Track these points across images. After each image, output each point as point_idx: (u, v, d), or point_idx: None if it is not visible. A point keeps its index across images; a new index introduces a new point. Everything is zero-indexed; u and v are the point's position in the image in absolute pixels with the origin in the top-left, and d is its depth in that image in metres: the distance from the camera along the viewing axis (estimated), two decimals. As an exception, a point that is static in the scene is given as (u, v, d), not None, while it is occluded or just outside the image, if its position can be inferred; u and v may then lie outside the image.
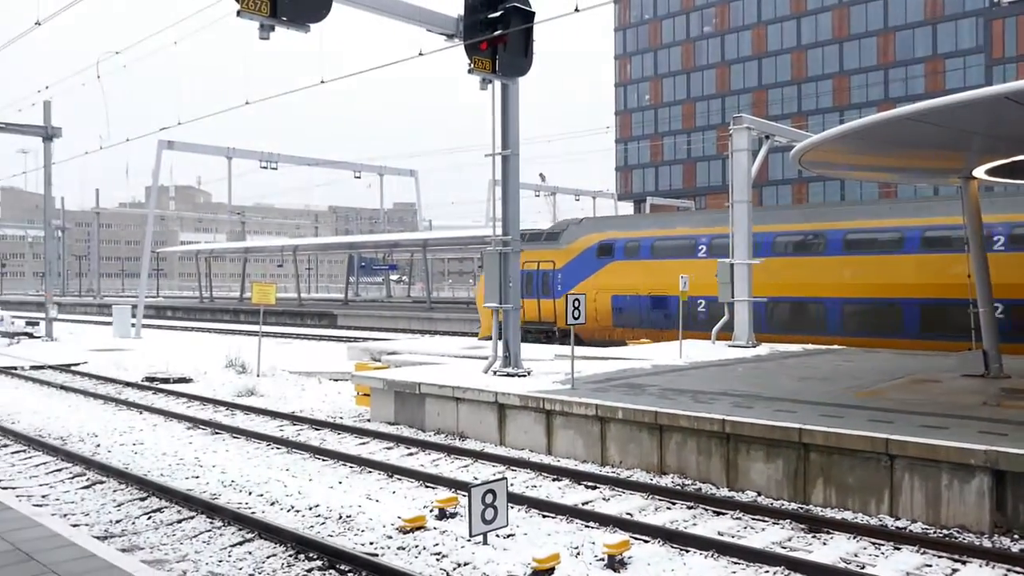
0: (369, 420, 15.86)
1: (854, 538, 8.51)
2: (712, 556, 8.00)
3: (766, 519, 9.20)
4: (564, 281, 29.05)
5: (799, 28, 79.28)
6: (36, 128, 35.35)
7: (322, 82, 15.30)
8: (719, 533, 8.71)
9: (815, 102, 77.88)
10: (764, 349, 20.92)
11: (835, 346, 21.48)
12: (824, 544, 8.41)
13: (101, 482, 11.14)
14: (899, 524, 8.95)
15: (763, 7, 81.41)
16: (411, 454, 12.92)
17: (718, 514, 9.47)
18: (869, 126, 12.12)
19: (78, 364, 25.85)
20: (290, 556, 8.07)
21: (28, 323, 39.00)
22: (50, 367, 25.27)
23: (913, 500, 9.09)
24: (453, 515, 9.33)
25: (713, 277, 22.02)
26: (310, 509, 9.66)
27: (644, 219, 32.89)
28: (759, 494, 10.22)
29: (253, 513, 9.42)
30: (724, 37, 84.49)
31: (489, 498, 8.04)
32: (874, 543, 8.36)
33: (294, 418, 15.95)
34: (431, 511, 9.43)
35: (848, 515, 9.31)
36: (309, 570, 7.72)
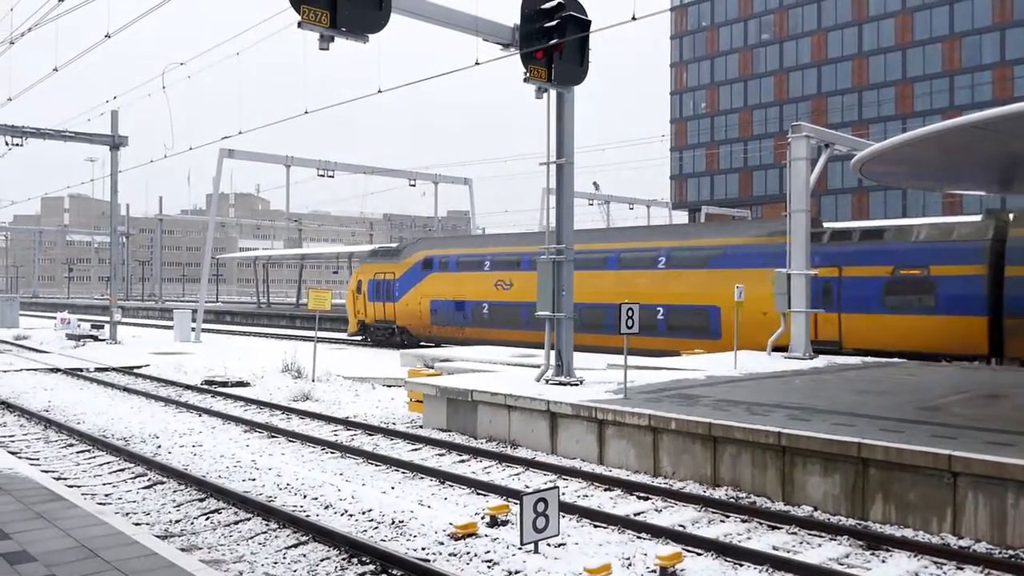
0: (422, 426, 15.97)
1: (915, 556, 8.30)
2: (767, 571, 7.87)
3: (823, 534, 9.02)
4: (400, 288, 37.05)
5: (860, 34, 77.86)
6: (104, 137, 36.43)
7: (379, 91, 15.49)
8: (774, 548, 8.57)
9: (876, 110, 76.34)
10: (821, 361, 20.55)
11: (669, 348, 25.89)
12: (883, 562, 8.22)
13: (162, 482, 11.41)
14: (962, 543, 8.69)
15: (823, 13, 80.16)
16: (463, 461, 12.97)
17: (773, 528, 9.32)
18: (934, 134, 11.85)
19: (140, 367, 26.51)
20: (343, 560, 8.16)
21: (93, 326, 40.17)
22: (114, 369, 25.96)
23: (977, 519, 8.83)
24: (504, 523, 9.34)
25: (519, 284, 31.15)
26: (363, 513, 9.76)
27: (457, 240, 40.19)
28: (815, 509, 10.03)
29: (308, 516, 9.55)
30: (783, 44, 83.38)
31: (541, 507, 8.03)
32: (936, 562, 8.14)
33: (348, 423, 16.13)
34: (483, 518, 9.45)
35: (908, 533, 9.08)
36: (362, 574, 7.79)
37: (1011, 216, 22.30)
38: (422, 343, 36.55)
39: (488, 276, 32.96)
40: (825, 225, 27.18)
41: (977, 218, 24.16)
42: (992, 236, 21.82)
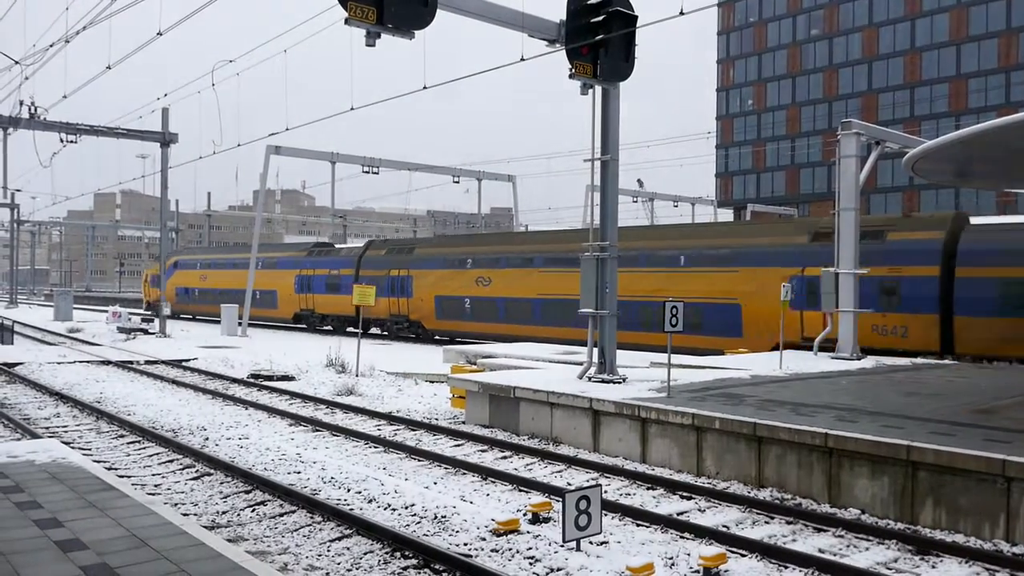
0: (464, 422, 16.02)
1: (966, 562, 8.11)
2: (812, 574, 7.75)
3: (870, 538, 8.86)
4: (159, 280, 49.54)
5: (913, 29, 76.30)
6: (154, 134, 37.14)
7: (424, 87, 15.56)
8: (820, 550, 8.44)
9: (929, 107, 74.78)
10: (869, 362, 20.20)
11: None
12: (933, 567, 8.05)
13: (209, 474, 11.59)
14: (1016, 550, 8.47)
15: (875, 8, 78.70)
16: (505, 457, 12.99)
17: (819, 531, 9.18)
18: (989, 131, 11.57)
19: (189, 360, 26.99)
20: (386, 553, 8.21)
21: (143, 320, 41.03)
22: (163, 362, 26.46)
23: (1032, 525, 8.60)
24: (546, 520, 9.33)
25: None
26: (406, 508, 9.81)
27: (201, 251, 61.47)
28: (863, 512, 9.85)
29: (351, 510, 9.63)
30: (832, 40, 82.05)
31: (583, 504, 8.00)
32: (988, 569, 7.95)
33: (391, 418, 16.24)
34: (524, 515, 9.45)
35: (959, 538, 8.88)
36: (405, 568, 7.84)
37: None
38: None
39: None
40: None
41: None
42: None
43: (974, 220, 24.94)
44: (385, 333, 40.81)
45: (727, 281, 26.97)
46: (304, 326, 46.26)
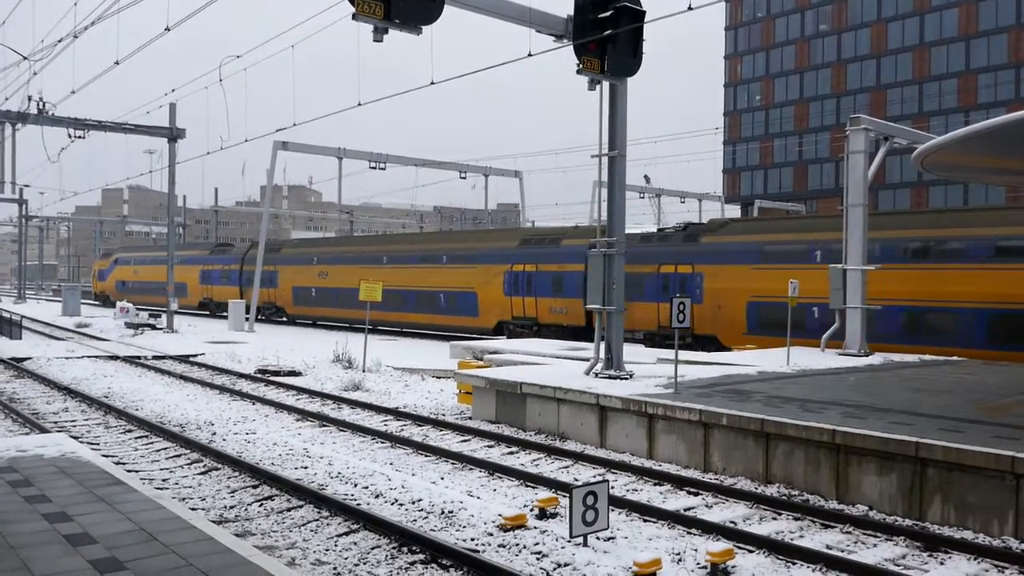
0: (471, 418, 16.03)
1: (975, 559, 8.08)
2: (820, 570, 7.74)
3: (878, 535, 8.84)
4: (104, 274, 68.75)
5: (922, 24, 75.92)
6: (162, 130, 37.19)
7: (432, 83, 15.55)
8: (827, 547, 8.42)
9: (938, 102, 74.42)
10: (877, 358, 20.14)
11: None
12: (941, 564, 8.03)
13: (216, 469, 11.62)
14: (1025, 547, 8.45)
15: (883, 3, 78.32)
16: (512, 453, 12.99)
17: (826, 527, 9.16)
18: (999, 127, 11.50)
19: (196, 356, 27.06)
20: (394, 548, 8.22)
21: (151, 315, 41.13)
22: (170, 357, 26.54)
23: (1041, 522, 8.57)
24: (553, 515, 9.33)
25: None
26: (413, 503, 9.83)
27: (134, 249, 68.88)
28: (870, 508, 9.83)
29: (359, 505, 9.65)
30: (841, 35, 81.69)
31: (590, 500, 8.00)
32: (997, 566, 7.93)
33: (398, 413, 16.26)
34: (531, 510, 9.45)
35: (968, 535, 8.86)
36: (412, 563, 7.85)
37: None
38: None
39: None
40: None
41: None
42: None
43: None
44: (261, 318, 47.45)
45: (467, 275, 36.11)
46: (207, 312, 55.61)
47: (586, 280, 16.82)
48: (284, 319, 48.30)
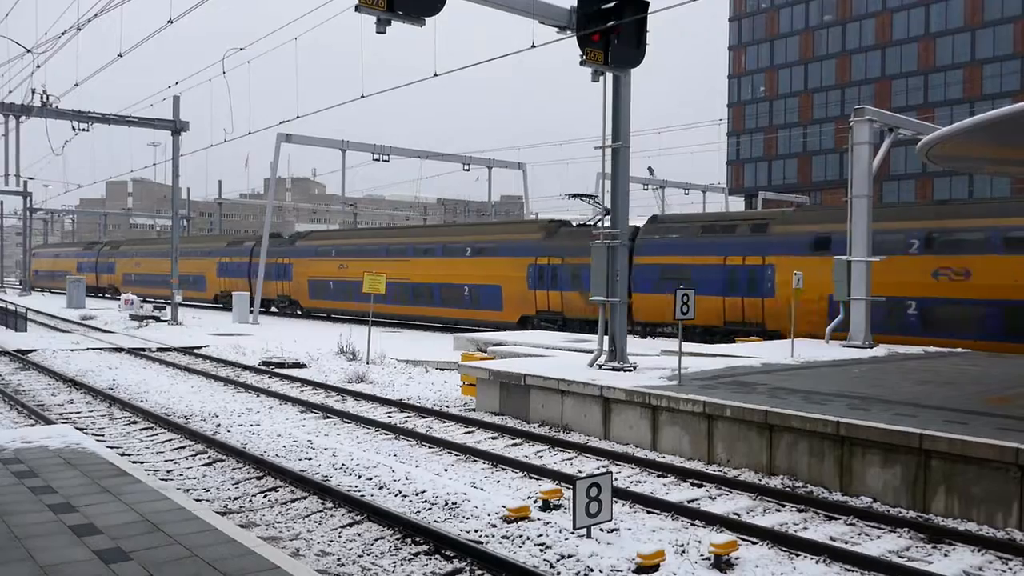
0: (474, 410, 16.04)
1: (979, 551, 8.08)
2: (824, 562, 7.74)
3: (882, 526, 8.84)
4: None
5: (927, 15, 75.54)
6: (166, 122, 37.17)
7: (435, 75, 15.52)
8: (831, 538, 8.43)
9: (943, 93, 74.10)
10: (882, 350, 20.11)
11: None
12: (945, 555, 8.03)
13: (221, 460, 11.65)
14: (1029, 539, 8.44)
15: (888, -6, 77.94)
16: (515, 445, 13.01)
17: (830, 518, 9.17)
18: (1005, 117, 11.44)
19: (200, 348, 27.11)
20: (397, 539, 8.24)
21: (156, 307, 41.19)
22: (175, 349, 26.59)
23: (1045, 514, 8.56)
24: (557, 507, 9.34)
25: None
26: (417, 495, 9.84)
27: (54, 245, 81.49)
28: (874, 500, 9.83)
29: (363, 496, 9.67)
30: (846, 26, 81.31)
31: (594, 492, 8.01)
32: (1001, 557, 7.93)
33: (402, 405, 16.28)
34: (535, 502, 9.47)
35: (972, 527, 8.85)
36: (416, 554, 7.86)
37: None
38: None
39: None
40: None
41: None
42: None
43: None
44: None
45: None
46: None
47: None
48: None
